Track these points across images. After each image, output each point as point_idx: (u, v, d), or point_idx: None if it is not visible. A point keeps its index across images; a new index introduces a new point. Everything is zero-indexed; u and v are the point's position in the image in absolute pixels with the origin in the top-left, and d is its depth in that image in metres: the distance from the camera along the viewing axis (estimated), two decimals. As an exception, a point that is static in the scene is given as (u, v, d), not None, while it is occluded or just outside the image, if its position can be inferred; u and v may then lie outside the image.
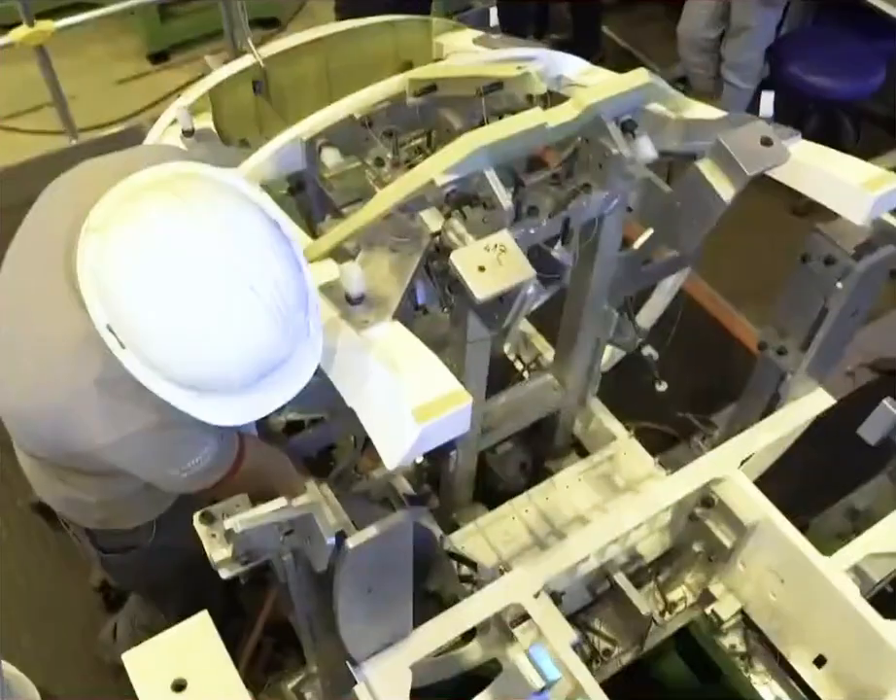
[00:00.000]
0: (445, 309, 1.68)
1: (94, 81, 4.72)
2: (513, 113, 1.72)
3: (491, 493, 2.19)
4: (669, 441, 2.41)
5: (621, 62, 4.47)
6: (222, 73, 2.22)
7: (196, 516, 1.44)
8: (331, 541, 1.38)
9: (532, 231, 1.68)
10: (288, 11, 5.06)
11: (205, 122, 2.11)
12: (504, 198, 1.55)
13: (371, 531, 1.40)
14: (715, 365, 2.79)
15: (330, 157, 1.90)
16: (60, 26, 3.47)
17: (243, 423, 1.41)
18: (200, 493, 1.60)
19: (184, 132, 2.04)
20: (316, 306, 1.38)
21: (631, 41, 4.82)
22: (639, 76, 1.69)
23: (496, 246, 1.47)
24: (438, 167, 1.54)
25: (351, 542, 1.39)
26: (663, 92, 1.81)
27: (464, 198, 1.58)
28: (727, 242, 2.33)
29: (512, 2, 4.12)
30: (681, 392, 2.30)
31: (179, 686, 1.24)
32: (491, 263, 1.46)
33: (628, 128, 1.67)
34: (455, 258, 1.46)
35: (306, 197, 2.04)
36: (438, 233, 1.61)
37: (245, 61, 2.22)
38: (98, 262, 1.26)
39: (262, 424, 1.98)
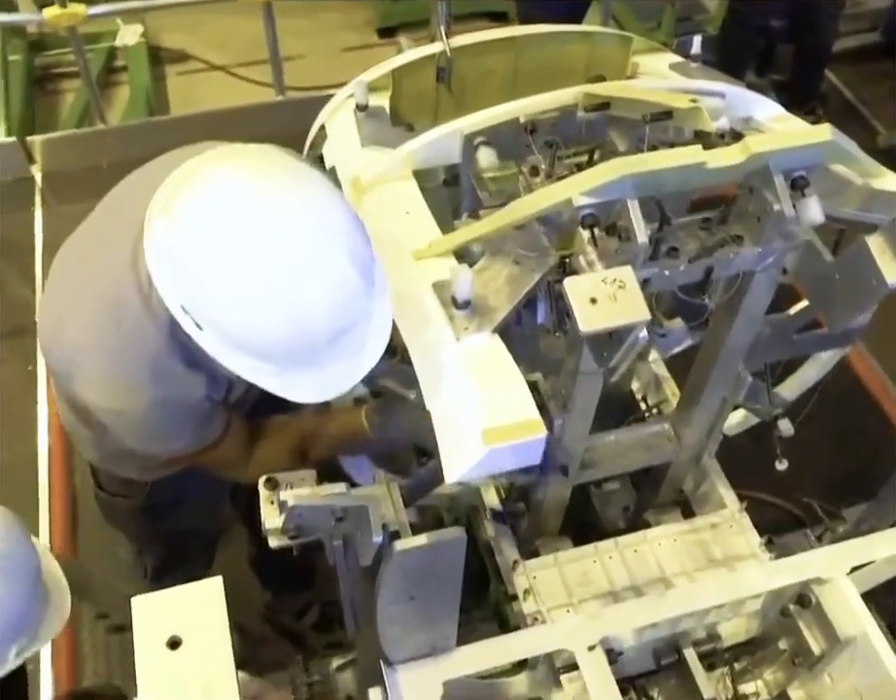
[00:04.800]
0: (557, 334, 1.61)
1: (322, 45, 4.93)
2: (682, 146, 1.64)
3: (584, 526, 2.10)
4: (786, 521, 2.23)
5: (840, 114, 4.19)
6: (408, 55, 2.23)
7: (262, 481, 1.46)
8: (378, 538, 1.37)
9: (667, 273, 1.58)
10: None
11: (382, 100, 2.14)
12: (641, 232, 1.46)
13: (421, 539, 1.38)
14: (863, 450, 2.56)
15: (486, 156, 1.87)
16: (288, -8, 3.63)
17: (323, 399, 1.41)
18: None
19: (357, 106, 2.08)
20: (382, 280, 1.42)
21: (857, 95, 4.53)
22: (822, 132, 1.55)
23: (615, 280, 1.40)
24: (579, 187, 1.48)
25: (398, 545, 1.36)
26: (847, 154, 1.65)
27: (599, 223, 1.51)
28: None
29: (738, 36, 4.01)
30: (816, 471, 2.12)
31: (174, 644, 1.27)
32: (605, 298, 1.38)
33: (798, 185, 1.53)
34: (567, 284, 1.39)
35: (458, 192, 2.03)
36: (569, 256, 1.56)
37: (433, 48, 2.22)
38: (167, 243, 1.27)
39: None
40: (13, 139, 3.92)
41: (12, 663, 1.45)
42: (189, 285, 1.26)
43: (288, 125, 2.41)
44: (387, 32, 5.14)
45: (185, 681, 1.26)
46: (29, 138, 3.96)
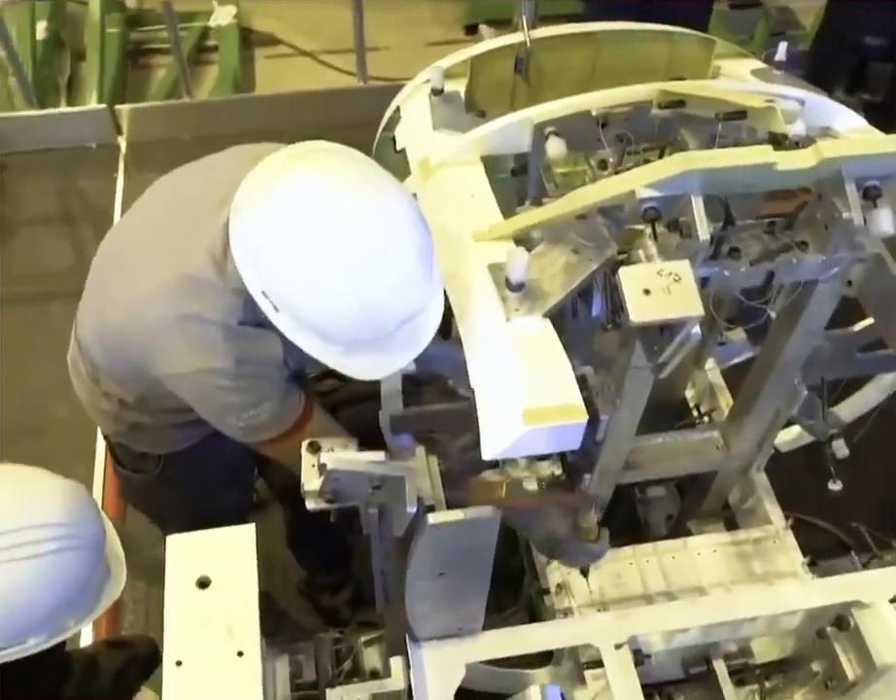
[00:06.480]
0: (609, 326, 1.60)
1: (408, 38, 4.96)
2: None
3: (625, 529, 2.08)
4: (834, 547, 2.17)
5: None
6: (488, 44, 2.24)
7: (305, 444, 1.47)
8: (412, 509, 1.37)
9: (726, 273, 1.55)
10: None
11: (458, 86, 2.14)
12: (703, 230, 1.44)
13: (456, 514, 1.39)
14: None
15: (555, 147, 1.86)
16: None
17: (378, 377, 1.54)
18: (257, 448, 1.70)
19: (433, 91, 2.09)
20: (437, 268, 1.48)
21: (957, 121, 4.31)
22: (897, 142, 1.51)
23: (670, 273, 1.38)
24: (643, 179, 1.46)
25: (431, 518, 1.37)
26: (925, 168, 1.60)
27: (661, 218, 1.49)
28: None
29: (830, 50, 3.91)
30: (869, 497, 2.05)
31: (203, 583, 1.31)
32: (659, 289, 1.37)
33: (870, 195, 1.49)
34: (622, 273, 1.38)
35: (525, 182, 2.02)
36: (629, 250, 1.54)
37: (513, 38, 2.22)
38: (249, 236, 1.39)
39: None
40: (103, 106, 4.05)
41: (72, 630, 1.51)
42: (269, 274, 1.38)
43: (366, 112, 2.43)
44: (473, 29, 5.15)
45: (210, 619, 1.29)
46: (117, 106, 4.08)
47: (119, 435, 1.89)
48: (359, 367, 1.47)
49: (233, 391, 1.55)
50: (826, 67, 3.90)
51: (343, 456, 1.41)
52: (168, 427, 1.81)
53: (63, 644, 1.77)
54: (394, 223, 1.37)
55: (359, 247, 1.34)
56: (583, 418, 1.30)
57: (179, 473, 1.90)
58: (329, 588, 2.61)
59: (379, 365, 1.49)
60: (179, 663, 1.25)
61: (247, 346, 1.53)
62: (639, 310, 1.34)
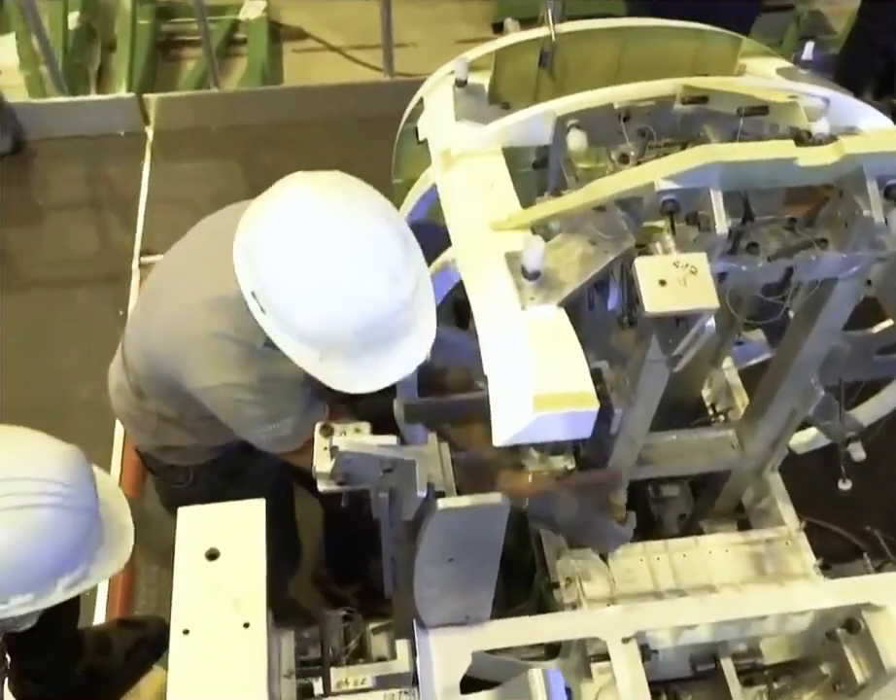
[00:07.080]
0: (625, 318, 1.59)
1: (437, 35, 4.96)
2: (774, 142, 1.59)
3: (637, 526, 2.06)
4: (847, 552, 2.15)
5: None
6: (513, 37, 2.24)
7: (318, 427, 1.48)
8: (422, 493, 1.37)
9: (744, 268, 1.54)
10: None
11: (481, 78, 2.15)
12: (722, 223, 1.43)
13: (464, 500, 1.39)
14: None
15: (576, 139, 1.85)
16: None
17: (358, 391, 1.54)
18: (284, 458, 1.78)
19: (457, 82, 2.09)
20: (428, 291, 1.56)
21: None
22: (922, 141, 1.49)
23: (686, 265, 1.38)
24: (662, 171, 1.46)
25: (441, 503, 1.38)
26: (949, 169, 1.59)
27: (679, 210, 1.48)
28: None
29: (860, 54, 3.88)
30: (884, 502, 2.03)
31: (211, 556, 1.33)
32: (674, 281, 1.36)
33: (892, 194, 1.48)
34: (638, 263, 1.38)
35: (546, 175, 2.02)
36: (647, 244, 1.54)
37: (539, 32, 2.22)
38: (249, 242, 1.50)
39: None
40: (131, 95, 4.09)
41: (60, 595, 1.48)
42: (260, 276, 1.48)
43: (391, 105, 2.45)
44: (501, 27, 5.12)
45: (217, 591, 1.31)
46: (146, 95, 4.13)
47: (151, 448, 1.98)
48: (339, 376, 1.52)
49: (255, 405, 1.65)
50: (855, 71, 3.87)
51: (355, 439, 1.41)
52: (203, 446, 1.90)
53: (76, 621, 1.78)
54: (370, 248, 1.46)
55: (337, 262, 1.44)
56: (594, 406, 1.30)
57: (209, 484, 1.97)
58: (341, 579, 2.62)
59: (363, 377, 1.52)
60: (186, 632, 1.27)
61: (269, 365, 1.61)
62: (655, 301, 1.34)
